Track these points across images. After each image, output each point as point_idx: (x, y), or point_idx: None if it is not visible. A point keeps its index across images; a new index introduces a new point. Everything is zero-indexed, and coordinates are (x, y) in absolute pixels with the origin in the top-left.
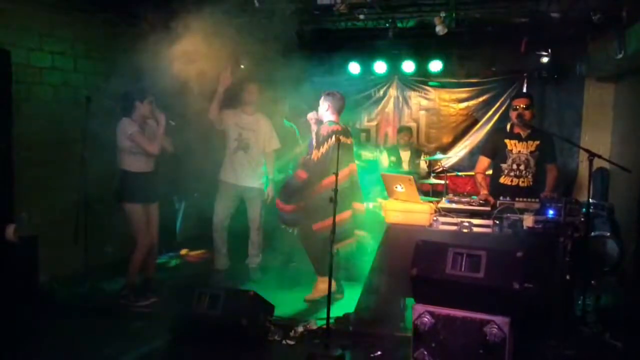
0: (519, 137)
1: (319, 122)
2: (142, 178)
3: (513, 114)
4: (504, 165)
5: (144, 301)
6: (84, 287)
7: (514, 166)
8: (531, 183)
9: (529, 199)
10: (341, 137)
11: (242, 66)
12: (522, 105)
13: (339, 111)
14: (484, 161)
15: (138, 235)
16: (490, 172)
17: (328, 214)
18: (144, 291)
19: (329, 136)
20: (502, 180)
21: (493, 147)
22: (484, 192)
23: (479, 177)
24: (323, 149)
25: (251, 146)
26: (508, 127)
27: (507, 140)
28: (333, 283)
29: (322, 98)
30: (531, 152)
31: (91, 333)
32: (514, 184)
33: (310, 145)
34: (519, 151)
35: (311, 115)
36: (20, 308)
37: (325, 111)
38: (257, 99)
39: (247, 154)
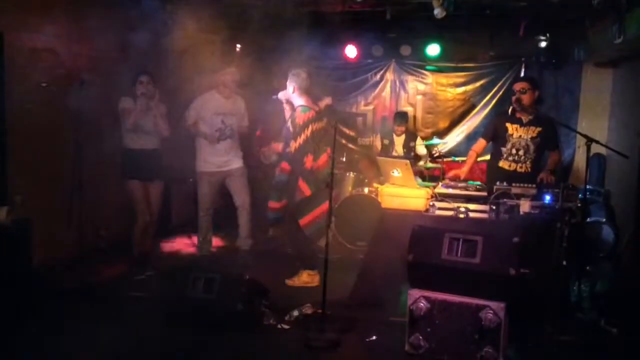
0: (520, 122)
1: (290, 103)
2: (142, 155)
3: (513, 98)
4: (503, 149)
5: (141, 275)
6: (77, 270)
7: (513, 151)
8: (529, 169)
9: (525, 185)
10: (316, 124)
11: (238, 46)
12: (519, 89)
13: (307, 91)
14: (481, 142)
15: (136, 212)
16: (487, 157)
17: (311, 206)
18: (142, 266)
19: (305, 126)
20: (500, 164)
21: (493, 130)
22: (464, 168)
23: (470, 153)
24: (300, 140)
25: (234, 130)
26: (510, 110)
27: (508, 124)
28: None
29: (288, 79)
30: (532, 138)
31: (85, 317)
32: (511, 168)
33: (287, 133)
34: (520, 136)
35: (281, 95)
36: (13, 291)
37: (292, 93)
38: (236, 81)
39: (233, 139)
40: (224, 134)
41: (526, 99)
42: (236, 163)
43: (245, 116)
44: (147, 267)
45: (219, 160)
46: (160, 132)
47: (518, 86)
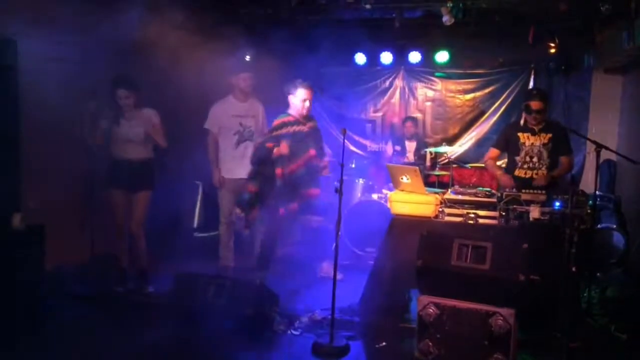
0: (532, 131)
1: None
2: (128, 166)
3: (529, 116)
4: (517, 158)
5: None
6: (90, 276)
7: (527, 158)
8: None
9: (535, 191)
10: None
11: (247, 57)
12: (536, 109)
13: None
14: (493, 151)
15: (114, 222)
16: (500, 162)
17: None
18: (139, 282)
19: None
20: (517, 173)
21: (505, 140)
22: (498, 172)
23: (490, 163)
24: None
25: (254, 133)
26: (522, 121)
27: (519, 134)
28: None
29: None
30: (544, 144)
31: (96, 323)
32: (528, 176)
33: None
34: (532, 143)
35: None
36: (26, 297)
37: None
38: (251, 86)
39: (253, 142)
40: (243, 136)
41: (542, 116)
42: None
43: (265, 120)
44: (145, 284)
45: (239, 164)
46: (157, 143)
47: (535, 105)
